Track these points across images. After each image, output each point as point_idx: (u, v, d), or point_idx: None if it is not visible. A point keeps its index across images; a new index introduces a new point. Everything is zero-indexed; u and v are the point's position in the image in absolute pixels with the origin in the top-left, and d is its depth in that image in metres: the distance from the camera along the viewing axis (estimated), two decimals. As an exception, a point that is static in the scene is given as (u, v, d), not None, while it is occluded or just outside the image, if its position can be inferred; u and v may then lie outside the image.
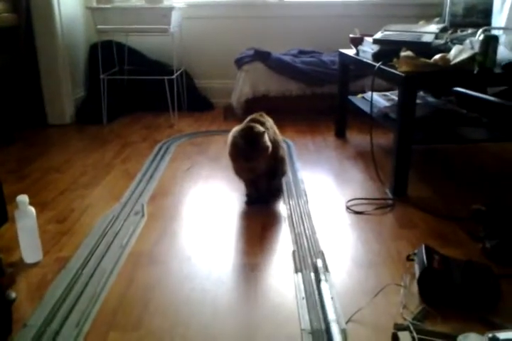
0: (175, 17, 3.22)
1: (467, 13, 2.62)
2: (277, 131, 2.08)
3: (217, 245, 1.67)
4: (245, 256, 1.59)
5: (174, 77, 3.31)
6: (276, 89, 3.35)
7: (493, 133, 2.29)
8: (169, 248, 1.65)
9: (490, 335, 1.07)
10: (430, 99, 2.73)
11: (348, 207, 1.95)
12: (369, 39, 2.36)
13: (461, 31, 2.37)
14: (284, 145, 2.17)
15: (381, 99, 2.68)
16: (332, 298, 1.34)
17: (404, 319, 1.24)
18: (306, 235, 1.72)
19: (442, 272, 1.35)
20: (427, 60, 1.94)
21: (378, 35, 2.31)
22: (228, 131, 1.94)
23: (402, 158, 2.01)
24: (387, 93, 2.80)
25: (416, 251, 1.49)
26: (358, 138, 2.92)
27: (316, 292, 1.38)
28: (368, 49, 2.36)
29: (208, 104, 3.78)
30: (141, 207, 1.97)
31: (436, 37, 2.19)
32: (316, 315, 1.27)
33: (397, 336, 1.15)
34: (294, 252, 1.60)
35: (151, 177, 2.31)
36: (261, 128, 1.85)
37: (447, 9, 2.69)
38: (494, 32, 2.14)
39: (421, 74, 1.92)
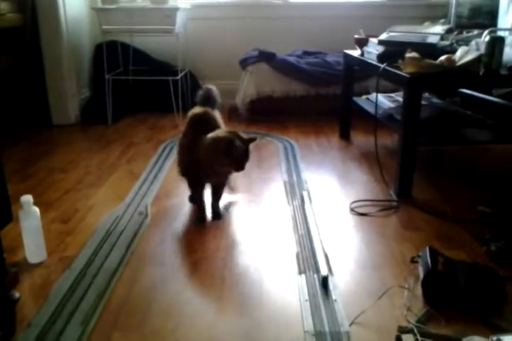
0: (180, 18, 3.22)
1: (473, 14, 2.61)
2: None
3: (220, 245, 1.67)
4: (248, 256, 1.59)
5: (179, 77, 3.32)
6: (281, 89, 3.35)
7: (498, 135, 2.28)
8: (173, 248, 1.65)
9: (494, 338, 1.06)
10: (435, 100, 2.72)
11: (351, 209, 1.94)
12: (374, 40, 2.35)
13: (467, 32, 2.36)
14: None
15: (386, 101, 2.67)
16: (335, 300, 1.34)
17: (408, 321, 1.24)
18: (309, 237, 1.72)
19: (446, 274, 1.34)
20: (433, 61, 1.93)
21: (383, 36, 2.31)
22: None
23: (406, 160, 2.00)
24: (392, 94, 2.80)
25: (420, 253, 1.48)
26: (362, 140, 2.91)
27: (320, 294, 1.37)
28: (373, 50, 2.35)
29: (213, 104, 3.78)
30: (144, 207, 1.97)
31: (442, 38, 2.19)
32: (319, 317, 1.27)
33: (401, 338, 1.15)
34: (297, 254, 1.60)
35: (155, 177, 2.31)
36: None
37: (453, 10, 2.69)
38: (500, 33, 2.12)
39: (426, 75, 1.91)
